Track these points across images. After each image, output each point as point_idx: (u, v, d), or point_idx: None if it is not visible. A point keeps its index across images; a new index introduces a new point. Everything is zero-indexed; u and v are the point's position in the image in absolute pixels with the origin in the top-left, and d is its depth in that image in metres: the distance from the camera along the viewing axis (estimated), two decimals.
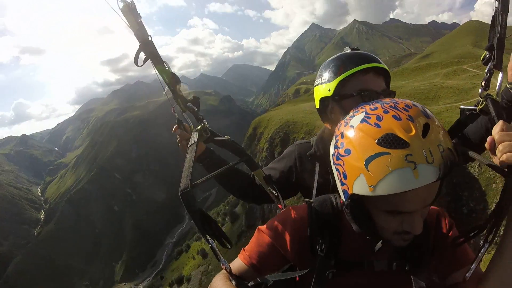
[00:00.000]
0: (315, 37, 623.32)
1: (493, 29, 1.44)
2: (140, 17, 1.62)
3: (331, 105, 1.90)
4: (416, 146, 0.94)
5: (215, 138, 1.88)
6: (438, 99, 37.79)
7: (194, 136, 1.69)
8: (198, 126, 1.79)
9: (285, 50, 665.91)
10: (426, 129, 0.98)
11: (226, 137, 1.93)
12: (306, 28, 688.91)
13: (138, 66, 1.71)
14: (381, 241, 1.22)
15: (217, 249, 1.27)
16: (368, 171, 0.97)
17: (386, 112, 1.02)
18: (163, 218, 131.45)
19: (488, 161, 1.12)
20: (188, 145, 1.63)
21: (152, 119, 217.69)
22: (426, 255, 1.28)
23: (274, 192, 2.02)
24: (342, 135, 1.10)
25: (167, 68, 1.76)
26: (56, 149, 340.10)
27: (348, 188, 1.08)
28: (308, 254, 1.33)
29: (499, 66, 1.42)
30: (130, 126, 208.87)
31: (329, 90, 1.87)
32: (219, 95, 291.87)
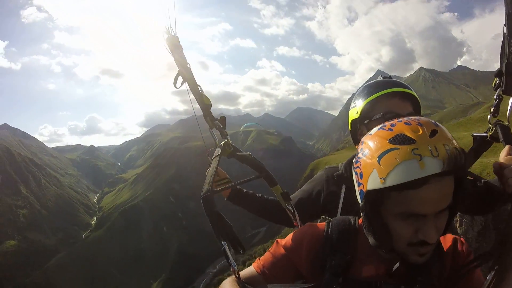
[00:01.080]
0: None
1: (503, 55, 1.43)
2: (182, 48, 1.92)
3: (359, 128, 2.02)
4: (423, 142, 1.02)
5: (237, 153, 1.96)
6: (497, 150, 35.05)
7: (218, 150, 1.86)
8: (222, 142, 1.91)
9: (349, 96, 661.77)
10: (434, 133, 1.05)
11: (248, 153, 2.00)
12: (371, 75, 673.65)
13: (176, 88, 1.94)
14: (398, 262, 1.22)
15: (228, 252, 1.30)
16: (380, 165, 1.06)
17: (399, 121, 1.13)
18: (208, 248, 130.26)
19: (485, 180, 1.20)
20: (212, 157, 1.81)
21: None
22: (437, 281, 1.25)
23: (291, 209, 2.08)
24: (362, 143, 1.21)
25: (201, 92, 1.96)
26: (119, 164, 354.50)
27: (363, 187, 1.15)
28: (319, 270, 1.35)
29: (508, 91, 1.41)
30: (191, 155, 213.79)
31: (357, 113, 2.00)
32: (280, 136, 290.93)
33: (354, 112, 2.03)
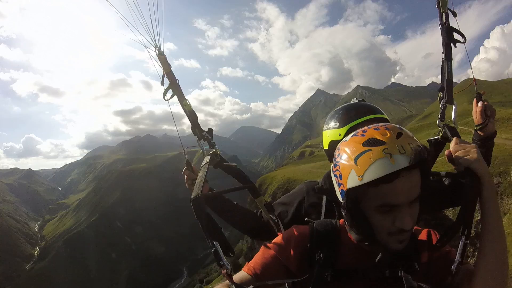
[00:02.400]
0: (321, 102, 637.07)
1: (443, 74, 1.89)
2: (170, 65, 2.14)
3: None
4: (391, 143, 1.23)
5: (224, 164, 2.11)
6: None
7: (207, 158, 1.98)
8: (210, 151, 2.10)
9: (291, 114, 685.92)
10: (399, 135, 1.27)
11: (234, 164, 2.15)
12: (312, 94, 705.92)
13: (166, 100, 2.13)
14: (381, 253, 1.37)
15: (220, 252, 1.37)
16: (357, 165, 1.26)
17: (369, 127, 1.34)
18: (161, 272, 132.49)
19: (445, 172, 1.50)
20: (201, 165, 1.94)
21: (158, 172, 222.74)
22: (417, 263, 1.40)
23: (274, 219, 2.21)
24: (339, 149, 1.39)
25: (189, 104, 2.18)
26: (60, 189, 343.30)
27: (343, 187, 1.33)
28: (308, 265, 1.46)
29: (450, 101, 1.84)
30: (136, 177, 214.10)
31: (340, 135, 2.14)
32: (225, 155, 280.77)
33: (336, 134, 2.16)
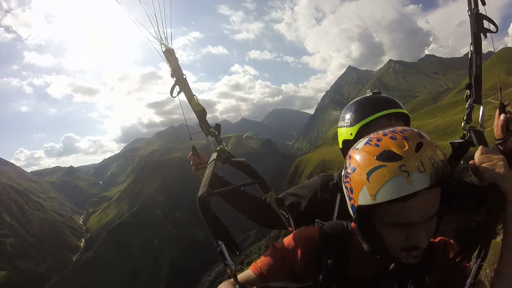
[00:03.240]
0: (353, 80, 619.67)
1: (471, 68, 1.66)
2: (178, 59, 2.06)
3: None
4: (409, 159, 1.09)
5: (232, 159, 2.05)
6: (455, 134, 39.67)
7: (214, 155, 1.93)
8: (218, 148, 2.01)
9: (323, 93, 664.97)
10: (419, 146, 1.12)
11: (242, 160, 2.07)
12: (343, 71, 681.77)
13: (173, 97, 2.07)
14: (393, 263, 1.32)
15: (225, 252, 1.35)
16: (369, 182, 1.13)
17: (385, 135, 1.19)
18: (201, 256, 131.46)
19: (470, 181, 1.36)
20: (208, 162, 1.89)
21: None
22: (428, 276, 1.35)
23: (285, 214, 2.12)
24: (350, 157, 1.27)
25: (197, 101, 2.10)
26: (101, 182, 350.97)
27: (354, 202, 1.22)
28: (314, 271, 1.41)
29: (478, 101, 1.63)
30: (173, 166, 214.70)
31: (351, 134, 2.02)
32: (260, 139, 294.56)
33: (348, 133, 2.05)
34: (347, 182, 1.27)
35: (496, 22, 1.67)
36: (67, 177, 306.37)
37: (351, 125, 2.03)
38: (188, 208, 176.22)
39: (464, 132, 1.57)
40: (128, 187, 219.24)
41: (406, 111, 2.04)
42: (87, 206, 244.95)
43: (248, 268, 1.52)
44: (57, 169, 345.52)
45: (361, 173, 1.17)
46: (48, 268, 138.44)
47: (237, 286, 1.32)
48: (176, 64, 2.07)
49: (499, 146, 1.93)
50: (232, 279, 1.34)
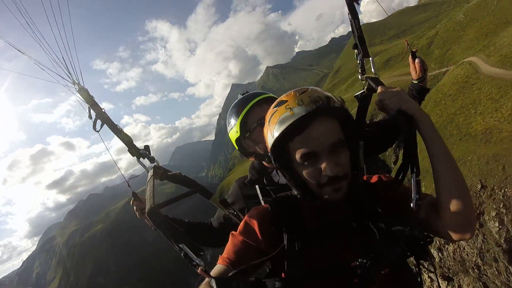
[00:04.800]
0: (239, 96, 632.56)
1: (354, 32, 1.88)
2: (93, 96, 2.17)
3: (245, 143, 2.34)
4: (292, 99, 1.39)
5: (168, 174, 2.11)
6: None
7: (151, 172, 1.99)
8: (152, 166, 2.09)
9: (217, 117, 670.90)
10: (303, 91, 1.40)
11: (178, 172, 2.16)
12: (228, 90, 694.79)
13: (97, 131, 2.16)
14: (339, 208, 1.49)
15: (190, 252, 1.38)
16: (269, 125, 1.44)
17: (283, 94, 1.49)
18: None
19: (381, 119, 1.61)
20: (147, 180, 1.89)
21: (117, 227, 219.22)
22: (378, 207, 1.47)
23: (234, 212, 2.31)
24: (264, 118, 1.56)
25: (120, 129, 2.19)
26: None
27: (268, 149, 1.49)
28: (277, 241, 1.47)
29: (366, 55, 1.84)
30: (98, 241, 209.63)
31: (237, 132, 2.29)
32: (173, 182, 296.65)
33: (234, 132, 2.30)
34: (263, 137, 1.54)
35: None
36: None
37: (234, 124, 2.30)
38: (132, 279, 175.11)
39: (363, 82, 1.77)
40: (61, 281, 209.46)
41: (272, 95, 2.31)
42: None
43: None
44: None
45: (266, 123, 1.49)
46: None
47: (212, 280, 1.30)
48: (92, 100, 2.15)
49: (420, 84, 2.30)
50: (207, 279, 1.34)
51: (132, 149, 2.22)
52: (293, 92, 1.42)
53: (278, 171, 1.58)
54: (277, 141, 1.39)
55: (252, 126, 2.26)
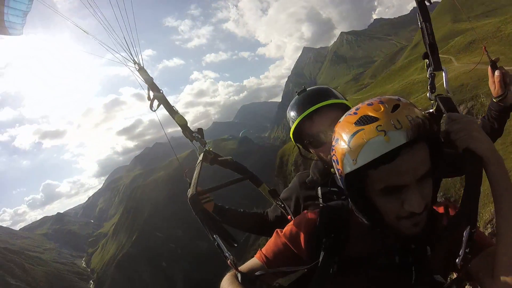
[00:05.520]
0: (310, 59, 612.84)
1: (424, 37, 1.63)
2: (152, 78, 2.23)
3: (303, 148, 2.20)
4: (385, 118, 1.10)
5: (219, 159, 2.14)
6: (410, 96, 41.04)
7: (200, 157, 2.03)
8: (203, 150, 2.13)
9: (286, 79, 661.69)
10: (396, 107, 1.14)
11: (229, 158, 2.17)
12: (299, 54, 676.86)
13: (153, 111, 2.21)
14: (393, 238, 1.31)
15: (221, 244, 1.39)
16: (350, 148, 1.15)
17: (362, 103, 1.23)
18: (211, 266, 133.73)
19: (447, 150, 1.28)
20: (196, 164, 1.97)
21: (178, 175, 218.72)
22: (430, 246, 1.29)
23: (281, 204, 2.24)
24: (334, 131, 1.29)
25: (176, 110, 2.25)
26: (92, 221, 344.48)
27: (341, 172, 1.24)
28: (316, 252, 1.40)
29: (437, 67, 1.61)
30: (160, 186, 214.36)
31: (291, 138, 2.19)
32: (236, 138, 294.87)
33: (291, 134, 2.16)
34: (333, 155, 1.28)
35: None
36: (57, 224, 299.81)
37: (291, 127, 2.10)
38: (186, 223, 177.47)
39: (432, 101, 1.54)
40: (121, 218, 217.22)
41: (332, 100, 2.00)
42: (85, 248, 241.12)
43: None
44: (44, 219, 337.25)
45: (343, 141, 1.19)
46: None
47: (238, 274, 1.35)
48: (151, 80, 2.15)
49: (499, 103, 1.93)
50: (234, 270, 1.38)
51: (186, 131, 2.20)
52: (383, 107, 1.15)
53: (351, 202, 1.35)
54: (362, 168, 1.16)
55: (312, 134, 2.02)
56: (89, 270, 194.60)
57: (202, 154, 2.02)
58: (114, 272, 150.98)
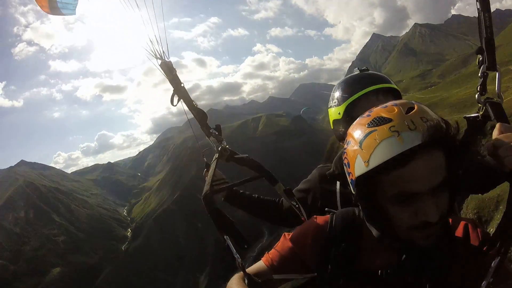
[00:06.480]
0: (378, 47, 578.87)
1: (481, 30, 1.39)
2: (175, 70, 2.10)
3: (342, 127, 2.00)
4: (399, 119, 1.03)
5: (235, 156, 2.04)
6: (471, 109, 34.53)
7: (216, 154, 1.98)
8: (219, 147, 2.05)
9: (349, 64, 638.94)
10: (410, 109, 1.07)
11: (245, 155, 2.06)
12: (367, 39, 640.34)
13: (173, 105, 2.12)
14: (405, 255, 1.21)
15: (231, 246, 1.35)
16: (362, 149, 1.08)
17: (377, 107, 1.16)
18: (244, 234, 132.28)
19: (491, 161, 1.13)
20: (212, 161, 1.95)
21: (228, 142, 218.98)
22: (448, 268, 1.18)
23: (295, 204, 2.09)
24: (347, 134, 1.22)
25: (196, 106, 2.15)
26: (139, 174, 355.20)
27: (352, 175, 1.15)
28: (324, 262, 1.33)
29: (492, 67, 1.38)
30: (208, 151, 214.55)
31: (339, 114, 1.98)
32: (289, 116, 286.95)
33: (336, 113, 2.02)
34: (345, 158, 1.21)
35: None
36: (106, 173, 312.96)
37: (339, 104, 2.00)
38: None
39: (480, 104, 1.37)
40: (167, 175, 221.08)
41: (394, 86, 1.95)
42: (129, 198, 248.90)
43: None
44: (96, 166, 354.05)
45: (355, 143, 1.12)
46: (100, 259, 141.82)
47: (246, 277, 1.30)
48: (173, 75, 2.11)
49: None
50: (242, 272, 1.34)
51: (204, 127, 2.21)
52: (397, 108, 1.08)
53: (361, 208, 1.29)
54: (374, 171, 1.06)
55: (357, 116, 1.79)
56: (129, 219, 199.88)
57: (219, 151, 2.03)
58: (151, 225, 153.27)
